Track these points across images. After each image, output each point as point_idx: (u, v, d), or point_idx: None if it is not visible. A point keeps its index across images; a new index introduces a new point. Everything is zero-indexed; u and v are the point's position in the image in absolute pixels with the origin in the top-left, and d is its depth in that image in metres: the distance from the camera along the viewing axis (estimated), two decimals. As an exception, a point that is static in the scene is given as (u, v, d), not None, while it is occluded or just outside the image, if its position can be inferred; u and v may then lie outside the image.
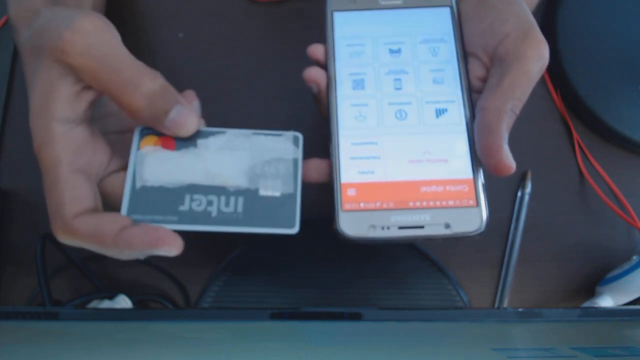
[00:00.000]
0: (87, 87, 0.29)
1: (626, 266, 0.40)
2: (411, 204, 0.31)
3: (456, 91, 0.33)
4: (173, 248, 0.29)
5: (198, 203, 0.30)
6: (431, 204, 0.31)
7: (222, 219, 0.30)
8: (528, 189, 0.43)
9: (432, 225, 0.30)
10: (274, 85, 0.45)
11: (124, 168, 0.31)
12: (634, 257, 0.40)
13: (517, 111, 0.30)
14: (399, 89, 0.33)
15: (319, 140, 0.40)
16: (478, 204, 0.31)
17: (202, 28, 0.46)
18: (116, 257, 0.29)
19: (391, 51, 0.34)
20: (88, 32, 0.28)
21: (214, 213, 0.30)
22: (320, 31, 0.46)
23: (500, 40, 0.31)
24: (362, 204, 0.31)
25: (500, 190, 0.44)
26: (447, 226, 0.30)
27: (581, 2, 0.44)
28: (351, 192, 0.31)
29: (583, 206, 0.43)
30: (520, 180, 0.43)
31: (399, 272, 0.42)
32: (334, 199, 0.31)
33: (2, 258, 0.44)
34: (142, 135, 0.31)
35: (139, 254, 0.29)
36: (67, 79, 0.28)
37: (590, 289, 0.42)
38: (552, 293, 0.42)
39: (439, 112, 0.32)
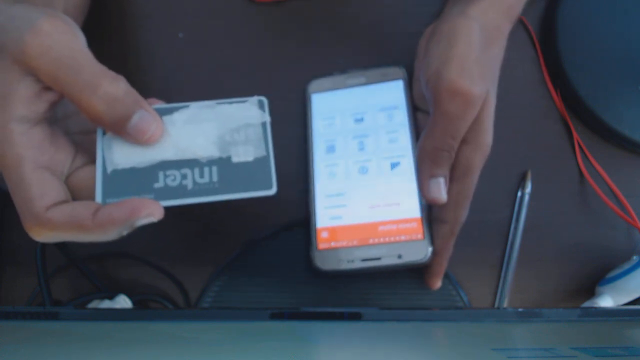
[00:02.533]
0: (48, 88, 0.28)
1: (626, 266, 0.40)
2: (371, 240, 0.37)
3: (407, 147, 0.40)
4: (155, 212, 0.28)
5: (172, 178, 0.30)
6: (387, 239, 0.37)
7: (199, 190, 0.30)
8: (528, 189, 0.43)
9: (388, 257, 0.37)
10: (274, 85, 0.45)
11: (90, 164, 0.31)
12: (634, 257, 0.40)
13: (450, 147, 0.34)
14: (362, 149, 0.40)
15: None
16: (425, 237, 0.37)
17: (202, 28, 0.46)
18: (99, 240, 0.28)
19: (356, 120, 0.42)
20: (47, 33, 0.27)
21: (190, 186, 0.30)
22: (319, 31, 0.46)
23: (426, 84, 0.34)
24: (332, 243, 0.38)
25: (500, 190, 0.44)
26: (400, 257, 0.36)
27: (581, 2, 0.44)
28: (324, 235, 0.38)
29: (583, 206, 0.43)
30: (520, 180, 0.43)
31: (399, 272, 0.42)
32: (311, 241, 0.38)
33: (2, 258, 0.44)
34: None
35: (123, 228, 0.28)
36: (26, 79, 0.28)
37: (590, 289, 0.42)
38: (552, 293, 0.42)
39: (393, 165, 0.39)
